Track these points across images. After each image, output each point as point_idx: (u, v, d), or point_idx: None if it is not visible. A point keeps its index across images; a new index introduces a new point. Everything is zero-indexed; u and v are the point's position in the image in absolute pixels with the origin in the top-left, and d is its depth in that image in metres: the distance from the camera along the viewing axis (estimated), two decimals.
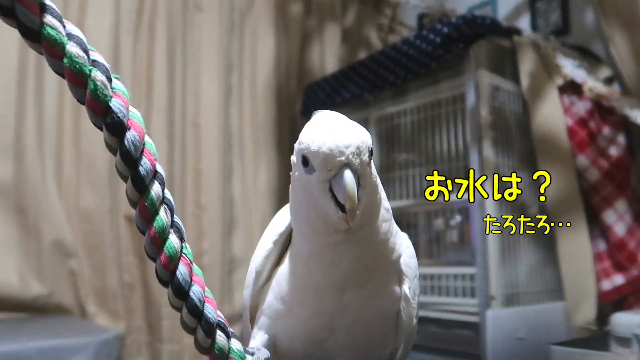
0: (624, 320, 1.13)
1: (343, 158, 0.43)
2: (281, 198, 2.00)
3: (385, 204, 0.51)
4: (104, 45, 1.68)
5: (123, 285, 1.70)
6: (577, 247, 1.57)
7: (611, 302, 1.59)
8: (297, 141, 0.47)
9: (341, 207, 0.43)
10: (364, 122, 1.86)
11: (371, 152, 0.46)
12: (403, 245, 0.54)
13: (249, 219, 2.00)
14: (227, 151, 1.96)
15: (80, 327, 1.36)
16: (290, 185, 0.51)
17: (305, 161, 0.45)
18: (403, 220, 1.74)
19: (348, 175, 0.42)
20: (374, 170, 0.48)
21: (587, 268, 1.57)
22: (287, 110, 2.19)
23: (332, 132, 0.44)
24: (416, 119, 1.70)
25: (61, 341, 1.15)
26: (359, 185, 0.44)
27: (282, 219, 0.55)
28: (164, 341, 1.72)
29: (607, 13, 1.74)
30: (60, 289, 1.56)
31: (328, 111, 0.49)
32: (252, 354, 0.45)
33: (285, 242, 0.55)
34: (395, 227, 0.53)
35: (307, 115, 2.03)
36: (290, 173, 0.50)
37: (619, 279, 1.59)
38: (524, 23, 2.06)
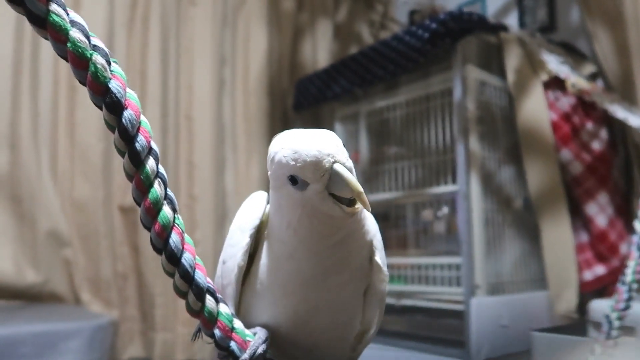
0: (600, 307, 1.18)
1: (331, 158, 0.44)
2: None
3: None
4: (98, 37, 1.70)
5: (117, 275, 1.73)
6: (559, 238, 1.62)
7: (592, 292, 1.64)
8: (273, 164, 0.48)
9: (346, 203, 0.45)
10: (355, 116, 1.90)
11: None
12: (370, 222, 0.56)
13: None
14: (220, 143, 1.99)
15: (75, 314, 1.39)
16: (271, 198, 0.52)
17: (293, 180, 0.46)
18: (392, 211, 1.78)
19: (342, 168, 0.44)
20: None
21: (569, 258, 1.62)
22: (279, 103, 2.22)
23: (307, 141, 0.45)
24: (405, 113, 1.74)
25: (56, 326, 1.18)
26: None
27: (254, 210, 0.56)
28: (157, 330, 1.75)
29: (592, 11, 1.78)
30: (55, 277, 1.58)
31: (286, 131, 0.50)
32: (254, 334, 0.48)
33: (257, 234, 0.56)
34: (365, 213, 0.55)
35: (299, 109, 2.07)
36: (270, 191, 0.51)
37: (600, 269, 1.64)
38: (511, 20, 2.10)
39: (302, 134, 0.47)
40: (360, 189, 0.44)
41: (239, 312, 0.56)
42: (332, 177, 0.45)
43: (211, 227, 1.90)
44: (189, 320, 1.80)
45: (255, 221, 0.55)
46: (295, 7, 2.30)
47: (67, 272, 1.63)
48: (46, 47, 1.62)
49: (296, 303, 0.51)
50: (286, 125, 2.21)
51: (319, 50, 2.37)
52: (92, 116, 1.70)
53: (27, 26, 1.57)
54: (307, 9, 2.36)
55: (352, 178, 0.44)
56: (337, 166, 0.44)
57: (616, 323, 0.90)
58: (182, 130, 1.94)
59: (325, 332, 0.53)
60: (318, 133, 0.47)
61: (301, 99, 2.05)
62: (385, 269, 0.55)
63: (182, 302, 1.59)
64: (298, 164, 0.44)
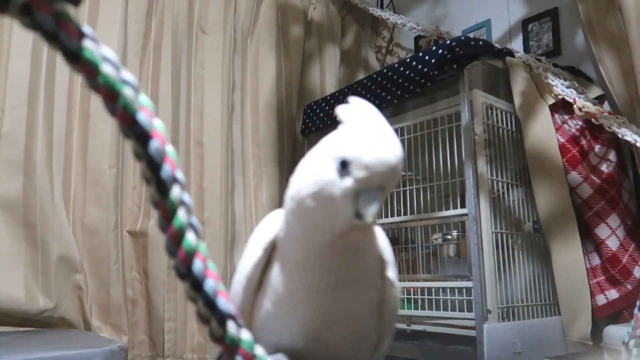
0: (616, 333, 1.16)
1: (386, 182, 0.45)
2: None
3: None
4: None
5: (126, 300, 1.73)
6: (571, 262, 1.61)
7: (607, 317, 1.61)
8: (338, 141, 0.47)
9: (358, 216, 0.45)
10: None
11: None
12: (380, 235, 0.55)
13: (251, 235, 2.03)
14: (229, 168, 2.01)
15: (86, 339, 1.39)
16: (292, 187, 0.50)
17: (344, 164, 0.45)
18: (401, 235, 1.78)
19: (379, 198, 0.44)
20: None
21: (581, 283, 1.60)
22: (288, 128, 2.25)
23: (387, 151, 0.45)
24: (413, 137, 1.75)
25: (68, 352, 1.18)
26: None
27: (270, 226, 0.56)
28: (166, 356, 1.74)
29: (596, 35, 1.80)
30: (66, 303, 1.58)
31: (374, 117, 0.49)
32: None
33: (272, 250, 0.56)
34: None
35: (307, 134, 2.09)
36: (303, 171, 0.50)
37: (613, 294, 1.62)
38: (516, 45, 2.13)
39: (387, 137, 0.46)
40: (375, 221, 0.46)
41: (251, 326, 0.55)
42: (369, 193, 0.45)
43: (221, 251, 1.90)
44: (198, 347, 1.79)
45: (269, 235, 0.55)
46: (303, 34, 2.35)
47: (78, 298, 1.63)
48: (61, 75, 1.66)
49: (309, 315, 0.51)
50: (295, 149, 2.23)
51: (327, 76, 2.40)
52: (105, 142, 1.73)
53: (43, 54, 1.61)
54: (314, 36, 2.41)
55: (378, 210, 0.45)
56: (379, 193, 0.45)
57: (634, 351, 0.89)
58: (193, 155, 1.96)
59: (340, 347, 0.53)
60: (398, 147, 0.46)
61: (310, 123, 2.07)
62: (397, 284, 0.56)
63: (191, 328, 1.59)
64: (364, 161, 0.44)
